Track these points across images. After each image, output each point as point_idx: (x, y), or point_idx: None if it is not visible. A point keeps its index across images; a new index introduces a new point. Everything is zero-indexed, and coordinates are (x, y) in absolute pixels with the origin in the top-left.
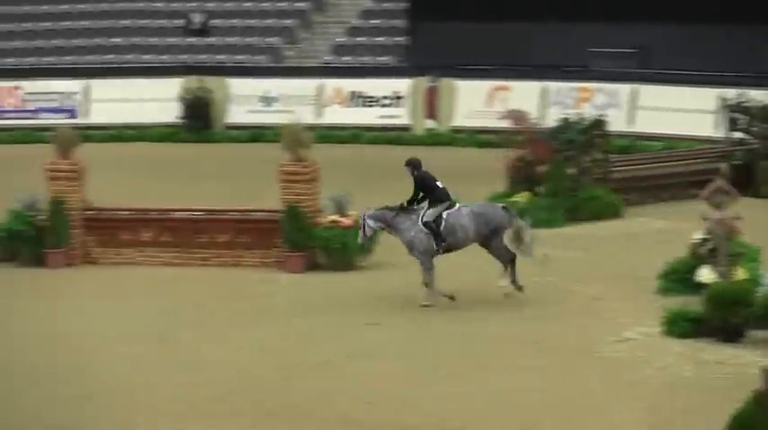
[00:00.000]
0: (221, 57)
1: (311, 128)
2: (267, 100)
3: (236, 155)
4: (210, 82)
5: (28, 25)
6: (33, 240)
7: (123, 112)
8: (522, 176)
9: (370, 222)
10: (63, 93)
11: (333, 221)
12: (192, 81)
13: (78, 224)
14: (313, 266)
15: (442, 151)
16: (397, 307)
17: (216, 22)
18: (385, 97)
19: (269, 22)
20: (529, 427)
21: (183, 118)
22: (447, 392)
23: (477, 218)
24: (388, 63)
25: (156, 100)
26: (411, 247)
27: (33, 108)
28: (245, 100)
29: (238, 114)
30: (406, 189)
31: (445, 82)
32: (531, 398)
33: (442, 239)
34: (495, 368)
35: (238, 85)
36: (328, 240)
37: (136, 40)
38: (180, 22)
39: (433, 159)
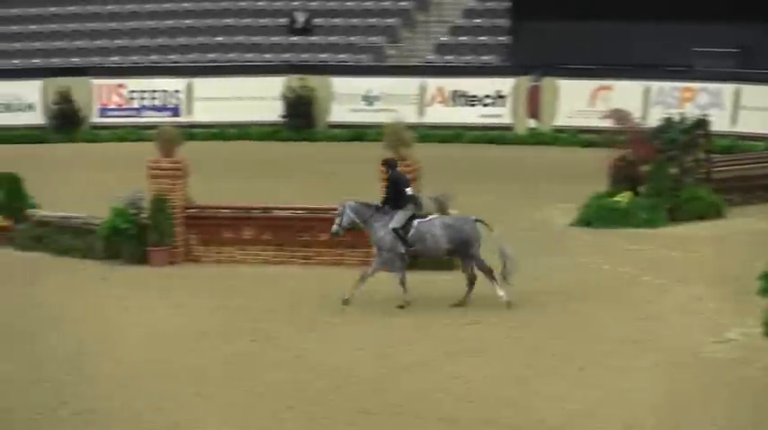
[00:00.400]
0: (324, 55)
1: (413, 127)
2: (369, 99)
3: (338, 153)
4: (313, 81)
5: (132, 24)
6: (136, 238)
7: (226, 111)
8: (624, 176)
9: (350, 213)
10: (166, 91)
11: None
12: (295, 80)
13: (180, 222)
14: (413, 266)
15: (544, 150)
16: (496, 306)
17: (319, 20)
18: (487, 96)
19: (372, 21)
20: (629, 427)
21: (285, 116)
22: (546, 391)
23: (447, 228)
24: (490, 62)
25: (259, 98)
26: (378, 246)
27: (137, 106)
28: (347, 99)
29: (340, 113)
30: (508, 189)
31: (548, 81)
32: (632, 397)
33: (410, 245)
34: (595, 367)
35: (341, 84)
36: None
37: (239, 38)
38: (283, 20)
39: (535, 159)
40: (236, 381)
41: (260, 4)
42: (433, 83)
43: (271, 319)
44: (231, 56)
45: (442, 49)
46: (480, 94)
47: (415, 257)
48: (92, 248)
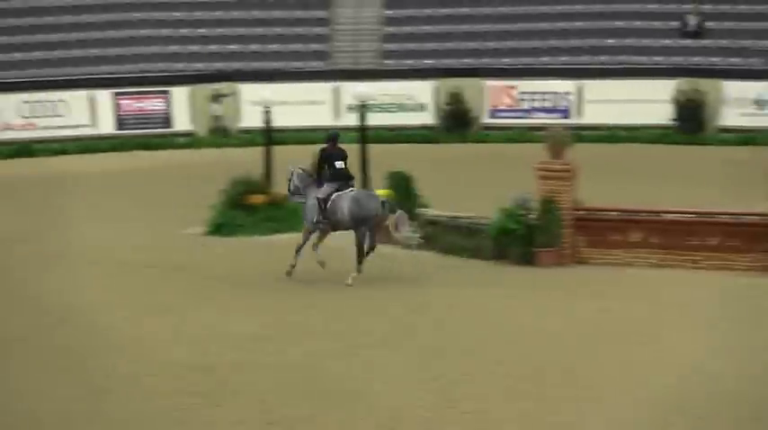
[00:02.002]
0: (715, 59)
1: None
2: (761, 103)
3: (727, 157)
4: (704, 84)
5: (523, 25)
6: (524, 239)
7: (615, 113)
8: None
9: (296, 180)
10: (557, 93)
11: None
12: (685, 83)
13: (568, 224)
14: None
15: None
16: None
17: (711, 24)
18: None
19: (764, 24)
20: None
21: (675, 120)
22: None
23: (353, 203)
24: None
25: (649, 101)
26: (303, 213)
27: (527, 107)
28: (738, 103)
29: (731, 117)
30: None
31: None
32: None
33: (326, 217)
34: None
35: (732, 88)
36: None
37: (629, 41)
38: (675, 24)
39: None
40: (623, 385)
41: (651, 6)
42: None
43: (657, 324)
44: (621, 58)
45: None
46: None
47: (335, 229)
48: (480, 248)
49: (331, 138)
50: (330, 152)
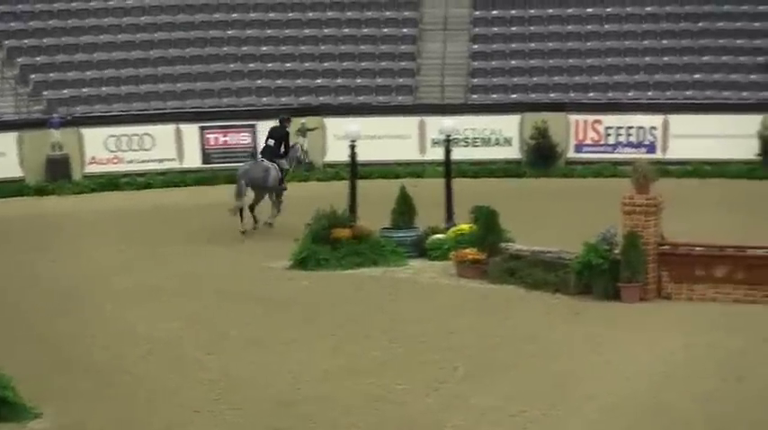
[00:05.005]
0: None
1: None
2: None
3: None
4: None
5: (611, 60)
6: (608, 274)
7: (701, 148)
8: None
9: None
10: (642, 127)
11: None
12: None
13: (653, 259)
14: None
15: None
16: None
17: None
18: None
19: None
20: None
21: (761, 155)
22: None
23: (246, 169)
24: None
25: (735, 136)
26: None
27: (612, 142)
28: None
29: None
30: None
31: None
32: None
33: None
34: None
35: None
36: None
37: (716, 76)
38: (762, 59)
39: None
40: (716, 423)
41: (739, 42)
42: None
43: (739, 359)
44: (708, 93)
45: None
46: None
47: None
48: (564, 283)
49: (279, 120)
50: (271, 131)
